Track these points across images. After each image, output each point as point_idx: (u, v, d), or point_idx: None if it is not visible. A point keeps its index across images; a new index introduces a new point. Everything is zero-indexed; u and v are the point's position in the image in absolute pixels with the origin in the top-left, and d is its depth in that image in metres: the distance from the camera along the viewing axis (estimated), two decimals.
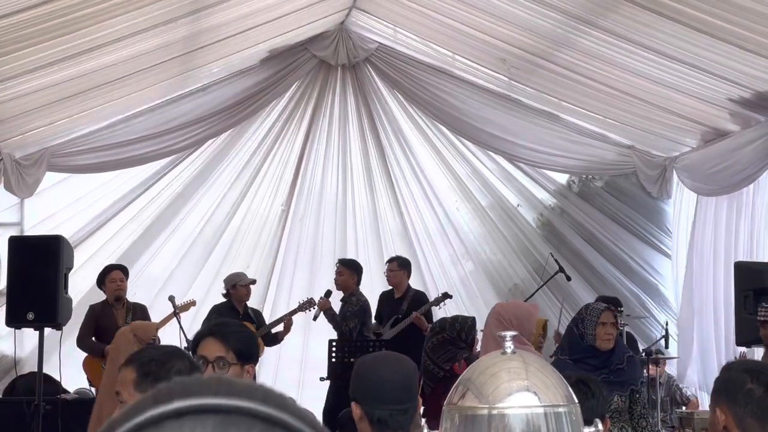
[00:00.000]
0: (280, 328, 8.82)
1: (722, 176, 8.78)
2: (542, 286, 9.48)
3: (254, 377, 3.67)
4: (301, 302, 8.94)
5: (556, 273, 9.31)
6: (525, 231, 10.62)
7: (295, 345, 9.87)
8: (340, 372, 7.89)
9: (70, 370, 8.07)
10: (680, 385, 9.49)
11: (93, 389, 8.31)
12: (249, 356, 3.25)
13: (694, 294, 9.41)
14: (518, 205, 10.64)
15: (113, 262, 8.97)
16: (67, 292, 7.45)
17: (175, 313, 8.22)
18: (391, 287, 9.08)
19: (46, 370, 7.40)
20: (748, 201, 8.72)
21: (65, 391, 8.24)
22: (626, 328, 8.16)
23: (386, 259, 9.36)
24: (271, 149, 10.37)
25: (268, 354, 9.34)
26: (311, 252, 10.52)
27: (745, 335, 7.17)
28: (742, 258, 8.31)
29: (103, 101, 8.67)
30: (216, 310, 8.74)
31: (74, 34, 6.94)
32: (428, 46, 9.75)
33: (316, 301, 8.89)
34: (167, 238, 10.19)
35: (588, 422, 1.78)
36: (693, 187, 9.50)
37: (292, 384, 9.73)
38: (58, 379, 7.98)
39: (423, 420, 1.99)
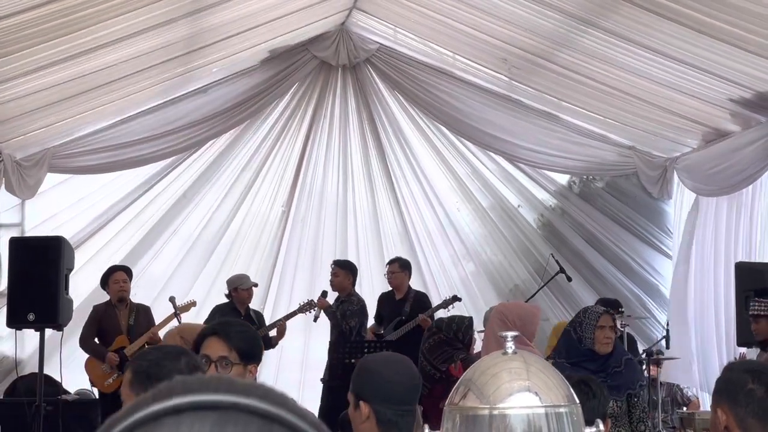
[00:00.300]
0: (274, 333, 8.81)
1: (723, 177, 8.78)
2: (543, 286, 9.47)
3: (255, 379, 3.66)
4: (302, 304, 8.93)
5: (556, 273, 9.31)
6: (526, 231, 10.61)
7: (295, 346, 9.87)
8: (340, 372, 7.87)
9: (70, 371, 8.07)
10: (681, 386, 9.47)
11: (94, 390, 8.32)
12: (252, 356, 3.25)
13: (695, 294, 9.39)
14: (519, 206, 10.63)
15: (114, 263, 8.97)
16: (67, 293, 7.45)
17: (176, 314, 8.25)
18: (390, 288, 9.07)
19: (46, 371, 7.41)
20: (748, 201, 8.72)
21: (66, 392, 8.24)
22: (626, 329, 8.14)
23: (387, 261, 9.36)
24: (271, 150, 10.37)
25: (269, 356, 9.32)
26: (312, 253, 10.52)
27: (746, 335, 7.17)
28: (741, 258, 8.31)
29: (104, 102, 8.68)
30: (218, 310, 8.74)
31: (75, 34, 6.95)
32: (428, 46, 9.75)
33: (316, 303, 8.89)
34: (168, 239, 10.19)
35: (589, 422, 1.78)
36: (693, 188, 9.49)
37: (293, 385, 9.73)
38: (59, 380, 7.98)
39: (423, 420, 1.99)
